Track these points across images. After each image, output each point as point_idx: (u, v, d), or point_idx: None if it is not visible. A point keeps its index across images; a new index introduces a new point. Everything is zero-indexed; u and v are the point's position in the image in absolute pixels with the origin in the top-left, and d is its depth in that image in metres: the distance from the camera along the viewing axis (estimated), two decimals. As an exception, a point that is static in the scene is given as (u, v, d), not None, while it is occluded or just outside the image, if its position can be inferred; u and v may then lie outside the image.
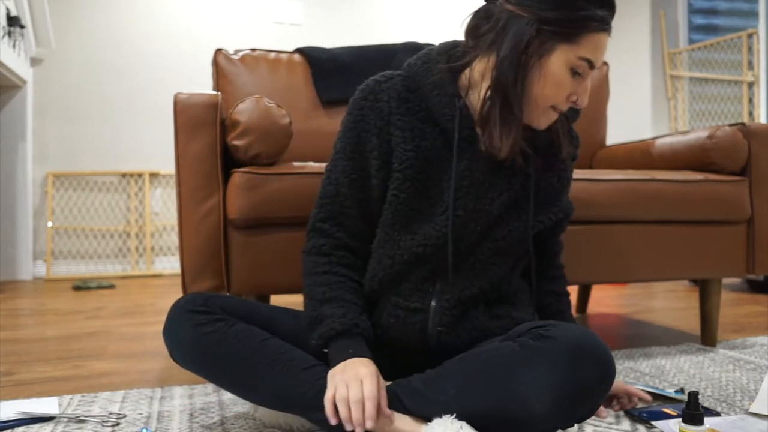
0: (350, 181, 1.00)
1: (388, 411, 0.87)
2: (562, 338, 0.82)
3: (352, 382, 0.85)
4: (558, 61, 0.90)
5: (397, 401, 0.90)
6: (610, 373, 0.82)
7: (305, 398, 0.90)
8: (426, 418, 0.88)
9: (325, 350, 0.93)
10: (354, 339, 0.92)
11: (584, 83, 0.93)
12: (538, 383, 0.80)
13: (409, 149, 0.97)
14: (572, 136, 1.07)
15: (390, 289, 0.99)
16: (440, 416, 0.85)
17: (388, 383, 0.94)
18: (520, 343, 0.85)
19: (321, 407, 0.87)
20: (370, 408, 0.83)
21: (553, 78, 0.91)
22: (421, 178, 0.97)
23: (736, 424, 1.01)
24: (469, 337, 0.97)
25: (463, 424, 0.83)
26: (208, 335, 0.93)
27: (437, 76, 0.99)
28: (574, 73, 0.91)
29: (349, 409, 0.84)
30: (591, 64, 0.91)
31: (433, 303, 0.97)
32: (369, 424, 0.83)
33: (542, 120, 0.96)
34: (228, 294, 1.07)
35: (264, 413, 1.03)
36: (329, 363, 0.91)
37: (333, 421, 0.85)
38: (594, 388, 0.81)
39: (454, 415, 0.84)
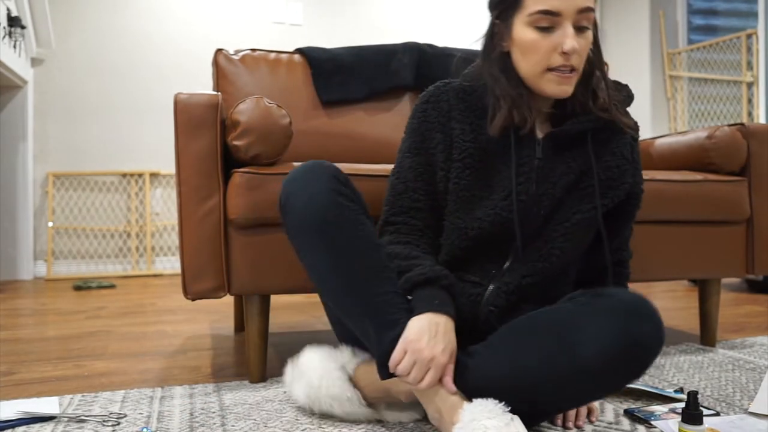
0: (416, 174, 1.05)
1: (450, 384, 0.89)
2: (618, 296, 0.87)
3: (430, 339, 0.87)
4: (519, 29, 0.96)
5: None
6: (663, 331, 0.85)
7: (388, 313, 0.92)
8: (473, 394, 0.89)
9: (410, 297, 0.94)
10: (441, 290, 0.94)
11: (564, 32, 0.94)
12: (596, 334, 0.83)
13: (468, 140, 1.03)
14: (629, 117, 1.09)
15: (456, 269, 1.02)
16: (486, 388, 0.88)
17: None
18: (576, 302, 0.89)
19: (394, 336, 0.89)
20: (432, 375, 0.87)
21: (523, 44, 0.96)
22: (480, 166, 1.02)
23: (736, 424, 1.01)
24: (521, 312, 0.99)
25: (515, 417, 0.84)
26: (344, 207, 0.95)
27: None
28: (541, 29, 0.94)
29: (414, 365, 0.86)
30: (549, 13, 0.93)
31: (491, 286, 1.01)
32: (424, 386, 0.87)
33: (550, 87, 0.98)
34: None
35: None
36: (413, 309, 0.91)
37: (392, 369, 0.88)
38: (649, 344, 0.83)
39: (503, 403, 0.85)
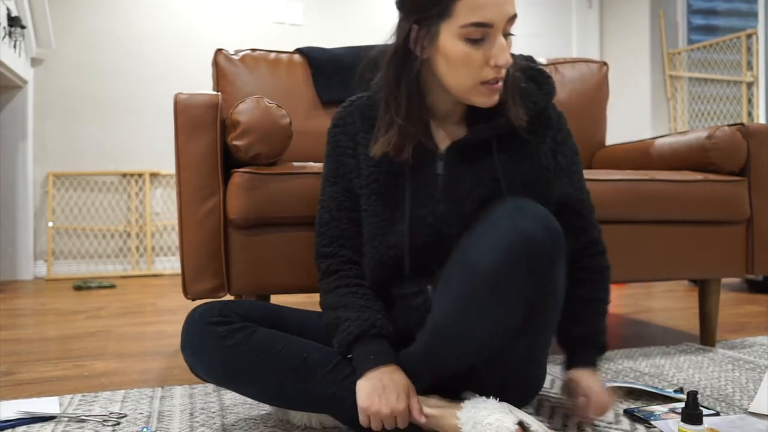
0: (338, 203, 1.04)
1: (420, 418, 0.89)
2: (505, 204, 0.85)
3: (381, 397, 0.87)
4: (447, 40, 0.90)
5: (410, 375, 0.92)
6: (552, 226, 0.82)
7: (334, 399, 0.92)
8: (456, 396, 0.90)
9: (350, 356, 0.94)
10: (373, 340, 0.93)
11: (496, 43, 0.89)
12: (489, 243, 0.81)
13: (372, 164, 1.00)
14: (544, 115, 1.02)
15: (387, 289, 1.01)
16: (470, 391, 0.89)
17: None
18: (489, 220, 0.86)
19: (349, 407, 0.90)
20: (402, 420, 0.89)
21: (454, 57, 0.90)
22: (385, 190, 0.99)
23: (735, 424, 1.01)
24: None
25: (513, 408, 0.86)
26: (229, 348, 0.93)
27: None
28: (473, 41, 0.89)
29: (382, 423, 0.88)
30: (483, 25, 0.87)
31: (430, 287, 0.98)
32: (404, 427, 0.89)
33: (480, 99, 0.94)
34: (235, 298, 1.07)
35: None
36: (356, 369, 0.92)
37: (373, 427, 0.89)
38: (539, 240, 0.80)
39: (492, 397, 0.88)
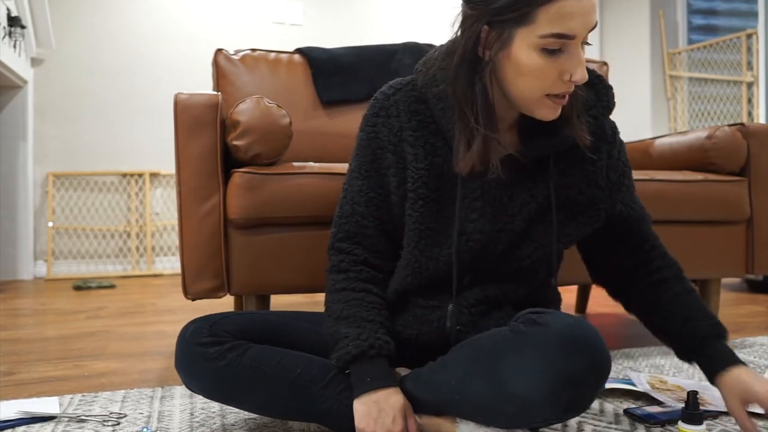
0: (367, 200, 0.97)
1: None
2: (552, 324, 0.78)
3: (377, 421, 0.85)
4: (521, 48, 0.82)
5: (410, 396, 0.90)
6: (599, 361, 0.78)
7: (330, 414, 0.91)
8: (446, 413, 0.89)
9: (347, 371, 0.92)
10: (371, 361, 0.89)
11: (574, 56, 0.82)
12: (526, 369, 0.77)
13: (421, 167, 0.93)
14: (600, 129, 0.96)
15: (408, 296, 0.98)
16: (452, 411, 0.87)
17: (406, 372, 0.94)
18: (512, 328, 0.82)
19: (346, 421, 0.88)
20: None
21: (526, 67, 0.83)
22: (434, 196, 0.93)
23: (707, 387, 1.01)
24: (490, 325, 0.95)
25: None
26: (222, 369, 0.91)
27: (442, 85, 0.92)
28: (550, 52, 0.81)
29: None
30: (564, 36, 0.80)
31: (450, 305, 0.95)
32: None
33: (543, 111, 0.87)
34: (230, 312, 1.05)
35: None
36: (352, 388, 0.90)
37: None
38: (583, 376, 0.76)
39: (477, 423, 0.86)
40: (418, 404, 0.90)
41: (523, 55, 0.82)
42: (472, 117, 0.87)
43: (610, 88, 0.97)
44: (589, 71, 0.93)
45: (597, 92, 0.96)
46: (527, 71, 0.83)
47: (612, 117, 1.01)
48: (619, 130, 1.04)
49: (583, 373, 0.76)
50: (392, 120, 0.96)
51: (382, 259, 0.99)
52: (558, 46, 0.81)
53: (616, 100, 0.97)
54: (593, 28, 0.82)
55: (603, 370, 0.78)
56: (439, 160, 0.93)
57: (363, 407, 0.86)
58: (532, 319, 0.81)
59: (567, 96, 0.86)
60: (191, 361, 0.93)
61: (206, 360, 0.91)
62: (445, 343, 0.95)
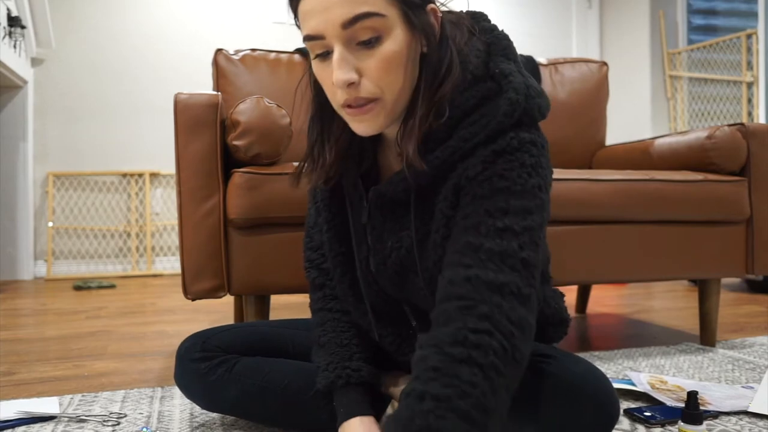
0: (316, 229, 0.96)
1: None
2: (561, 377, 0.74)
3: None
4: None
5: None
6: (608, 411, 0.74)
7: (319, 421, 0.92)
8: None
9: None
10: (341, 391, 0.87)
11: (332, 61, 0.71)
12: (535, 420, 0.74)
13: (325, 207, 0.89)
14: (462, 143, 0.75)
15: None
16: None
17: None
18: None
19: (337, 428, 0.86)
20: None
21: (315, 75, 0.76)
22: (340, 237, 0.88)
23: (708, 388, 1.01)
24: None
25: None
26: (213, 384, 0.94)
27: None
28: (320, 57, 0.73)
29: None
30: (312, 38, 0.71)
31: (414, 323, 0.91)
32: None
33: (353, 126, 0.76)
34: (225, 326, 1.05)
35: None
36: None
37: None
38: (593, 427, 0.73)
39: None
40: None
41: (313, 64, 0.76)
42: (311, 128, 0.84)
43: (511, 100, 0.73)
44: (498, 70, 0.75)
45: (490, 101, 0.75)
46: (319, 81, 0.76)
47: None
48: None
49: (591, 422, 0.73)
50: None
51: None
52: (321, 49, 0.72)
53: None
54: (353, 21, 0.68)
55: (612, 420, 0.75)
56: (340, 195, 0.88)
57: None
58: (540, 368, 0.76)
59: (368, 106, 0.72)
60: (186, 378, 0.97)
61: (198, 376, 0.94)
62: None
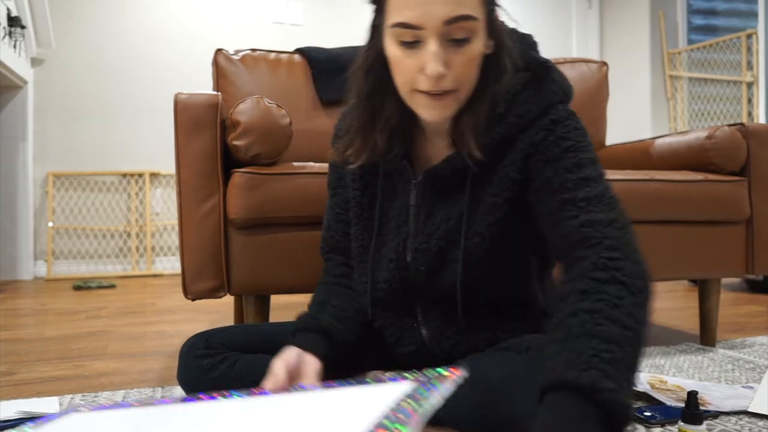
0: (335, 215, 1.01)
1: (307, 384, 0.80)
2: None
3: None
4: (387, 39, 0.81)
5: None
6: None
7: None
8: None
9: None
10: (300, 333, 0.89)
11: (426, 49, 0.77)
12: (532, 413, 0.75)
13: (356, 187, 0.95)
14: (516, 120, 0.84)
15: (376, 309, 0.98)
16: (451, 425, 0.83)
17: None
18: (524, 361, 0.79)
19: None
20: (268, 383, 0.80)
21: (392, 60, 0.81)
22: (367, 215, 0.94)
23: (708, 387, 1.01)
24: (478, 343, 0.92)
25: None
26: (215, 380, 0.94)
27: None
28: (406, 44, 0.78)
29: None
30: (407, 26, 0.76)
31: (424, 330, 0.94)
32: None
33: (421, 110, 0.82)
34: (228, 326, 1.06)
35: None
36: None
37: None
38: None
39: None
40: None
41: (389, 46, 0.81)
42: (359, 107, 0.88)
43: (554, 82, 0.87)
44: (543, 62, 0.88)
45: (540, 80, 0.87)
46: (393, 63, 0.81)
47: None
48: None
49: None
50: (342, 140, 0.96)
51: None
52: (411, 38, 0.77)
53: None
54: (455, 20, 0.75)
55: None
56: (376, 179, 0.94)
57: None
58: (532, 356, 0.78)
59: (445, 96, 0.79)
60: (188, 374, 0.97)
61: (201, 372, 0.95)
62: (425, 348, 0.95)
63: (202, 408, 0.72)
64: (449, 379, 0.60)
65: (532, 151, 0.83)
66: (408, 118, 0.88)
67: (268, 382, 0.78)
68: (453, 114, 0.83)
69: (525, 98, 0.85)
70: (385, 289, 0.92)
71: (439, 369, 0.64)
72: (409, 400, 0.56)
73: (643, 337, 0.65)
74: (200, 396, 0.77)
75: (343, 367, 0.90)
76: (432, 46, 0.76)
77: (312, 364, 0.83)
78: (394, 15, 0.77)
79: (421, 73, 0.78)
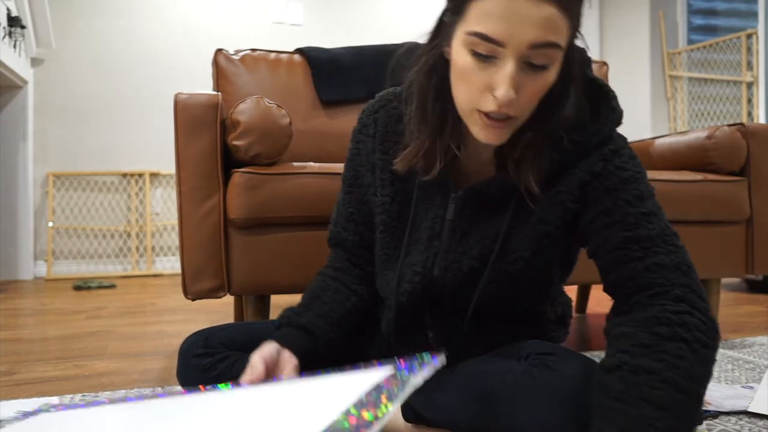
0: (347, 214, 0.99)
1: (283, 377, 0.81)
2: (566, 372, 0.76)
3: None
4: (457, 45, 0.73)
5: (408, 408, 0.89)
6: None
7: None
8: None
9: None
10: (282, 330, 0.90)
11: (502, 70, 0.70)
12: (541, 415, 0.75)
13: (386, 193, 0.91)
14: (570, 147, 0.81)
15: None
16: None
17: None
18: (524, 370, 0.79)
19: None
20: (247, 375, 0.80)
21: (458, 67, 0.74)
22: (395, 224, 0.91)
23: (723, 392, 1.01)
24: (482, 347, 0.93)
25: None
26: (215, 380, 0.93)
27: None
28: (480, 56, 0.71)
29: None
30: (487, 39, 0.69)
31: (430, 333, 0.93)
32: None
33: (476, 129, 0.76)
34: (228, 324, 1.06)
35: None
36: None
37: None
38: None
39: None
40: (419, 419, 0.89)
41: (456, 54, 0.74)
42: (424, 114, 0.82)
43: (613, 99, 0.84)
44: (602, 86, 0.84)
45: (596, 107, 0.83)
46: (458, 72, 0.74)
47: None
48: (620, 129, 0.94)
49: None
50: (368, 140, 0.94)
51: (363, 259, 1.00)
52: (486, 51, 0.70)
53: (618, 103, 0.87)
54: (541, 46, 0.69)
55: None
56: (407, 186, 0.90)
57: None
58: (545, 364, 0.78)
59: (505, 122, 0.74)
60: (188, 373, 0.97)
61: (200, 371, 0.94)
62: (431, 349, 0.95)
63: (174, 403, 0.72)
64: (429, 365, 0.60)
65: (590, 179, 0.80)
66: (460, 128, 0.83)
67: (246, 375, 0.78)
68: (507, 140, 0.78)
69: (585, 126, 0.81)
70: (404, 300, 0.90)
71: (423, 354, 0.64)
72: (389, 382, 0.57)
73: (702, 395, 0.67)
74: (173, 391, 0.77)
75: (336, 362, 0.90)
76: (509, 68, 0.69)
77: (289, 360, 0.84)
78: (476, 23, 0.69)
79: (488, 92, 0.71)
